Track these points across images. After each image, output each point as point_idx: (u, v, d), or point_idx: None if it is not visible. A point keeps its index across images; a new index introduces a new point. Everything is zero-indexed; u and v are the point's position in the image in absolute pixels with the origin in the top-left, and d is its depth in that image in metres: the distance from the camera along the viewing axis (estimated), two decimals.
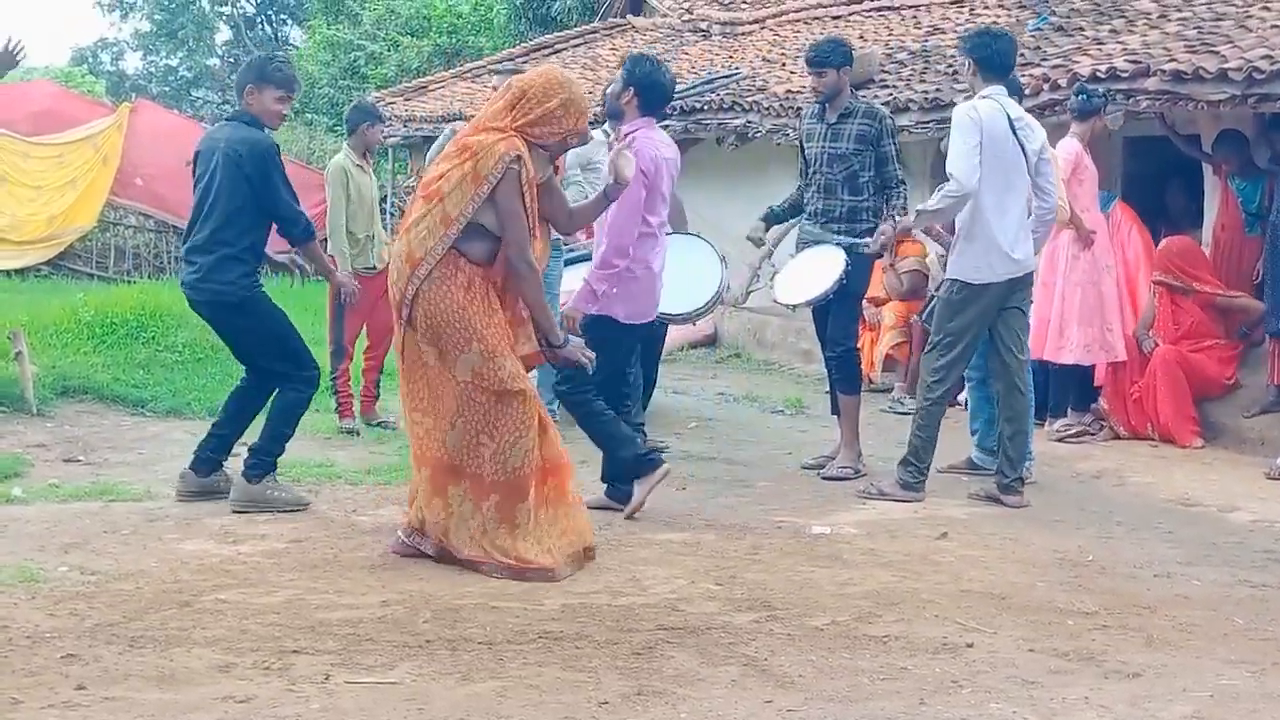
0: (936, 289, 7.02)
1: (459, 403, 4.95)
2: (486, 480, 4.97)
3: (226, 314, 5.97)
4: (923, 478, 6.43)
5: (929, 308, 7.17)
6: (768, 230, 7.58)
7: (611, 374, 5.88)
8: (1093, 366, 8.13)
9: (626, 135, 6.09)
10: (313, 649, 4.07)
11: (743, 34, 15.62)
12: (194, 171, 6.03)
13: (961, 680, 3.95)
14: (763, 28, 15.59)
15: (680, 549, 5.42)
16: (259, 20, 32.66)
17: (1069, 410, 8.22)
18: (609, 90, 6.28)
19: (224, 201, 5.85)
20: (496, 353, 4.94)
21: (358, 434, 7.70)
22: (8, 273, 15.20)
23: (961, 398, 7.52)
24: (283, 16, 32.78)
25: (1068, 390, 8.25)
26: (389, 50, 22.19)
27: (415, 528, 5.11)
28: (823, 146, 6.97)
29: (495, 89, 7.93)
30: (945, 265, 7.14)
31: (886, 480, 6.48)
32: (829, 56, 6.94)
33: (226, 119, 6.23)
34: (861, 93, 8.22)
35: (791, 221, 7.66)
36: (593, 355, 5.31)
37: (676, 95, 12.24)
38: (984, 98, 6.31)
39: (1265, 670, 4.13)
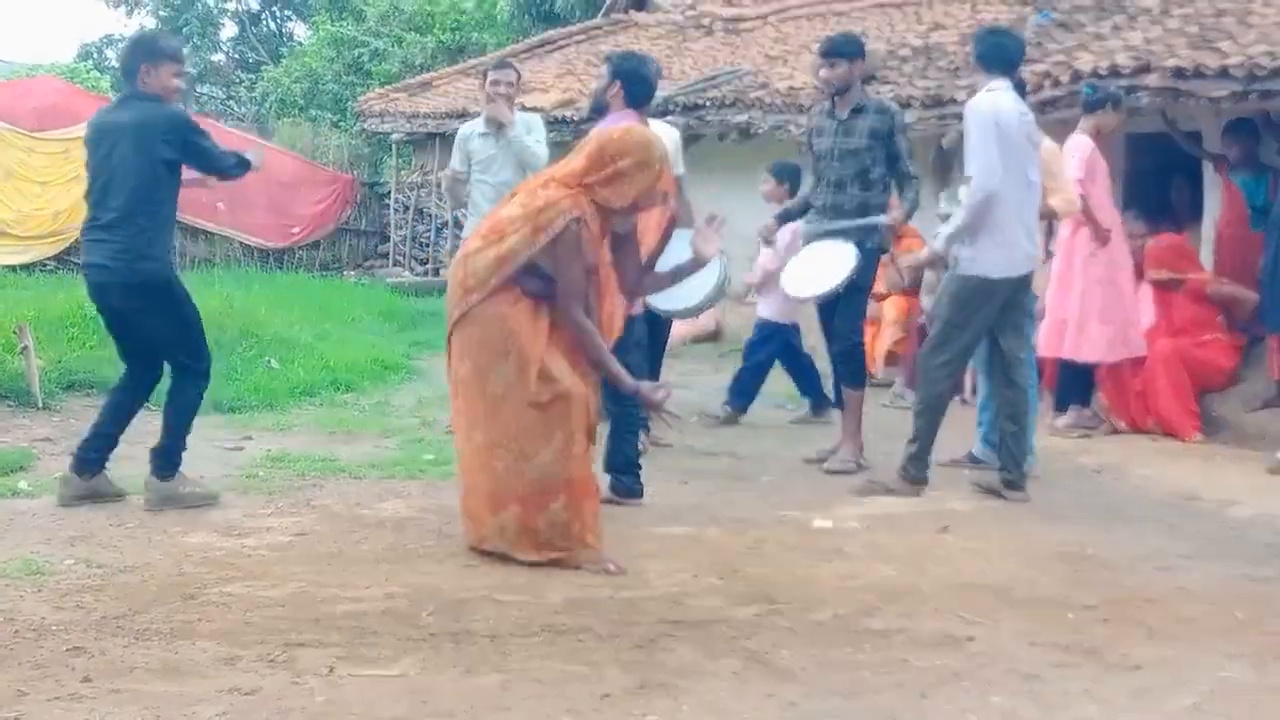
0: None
1: (483, 416, 4.96)
2: (500, 494, 4.97)
3: (149, 296, 5.72)
4: (926, 471, 6.43)
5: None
6: (780, 229, 7.61)
7: None
8: (1096, 364, 8.13)
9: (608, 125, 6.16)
10: (317, 642, 4.09)
11: (746, 30, 15.63)
12: (89, 153, 5.85)
13: (963, 673, 3.97)
14: (765, 24, 15.60)
15: (683, 543, 5.44)
16: (264, 16, 32.62)
17: (1071, 406, 8.23)
18: (593, 87, 6.35)
19: (134, 178, 5.68)
20: (530, 362, 4.91)
21: None
22: (13, 268, 15.22)
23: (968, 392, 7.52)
24: (287, 12, 32.71)
25: (1071, 386, 8.26)
26: (393, 46, 22.18)
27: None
28: (834, 142, 6.98)
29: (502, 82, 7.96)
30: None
31: (890, 475, 6.46)
32: (842, 47, 6.99)
33: (120, 99, 6.00)
34: (864, 88, 8.22)
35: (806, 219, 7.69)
36: (668, 393, 5.26)
37: (680, 91, 12.33)
38: (992, 90, 6.30)
39: (1266, 663, 4.14)
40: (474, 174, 7.86)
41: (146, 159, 5.69)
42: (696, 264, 5.42)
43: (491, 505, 5.00)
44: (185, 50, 6.11)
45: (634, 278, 5.35)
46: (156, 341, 5.89)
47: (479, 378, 4.96)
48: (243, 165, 6.04)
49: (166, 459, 5.84)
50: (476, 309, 4.96)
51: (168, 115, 5.81)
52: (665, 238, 5.49)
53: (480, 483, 5.02)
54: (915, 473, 6.39)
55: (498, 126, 7.69)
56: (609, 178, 4.99)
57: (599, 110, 6.52)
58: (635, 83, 6.21)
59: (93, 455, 5.88)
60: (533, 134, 7.74)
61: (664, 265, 6.24)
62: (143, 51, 5.89)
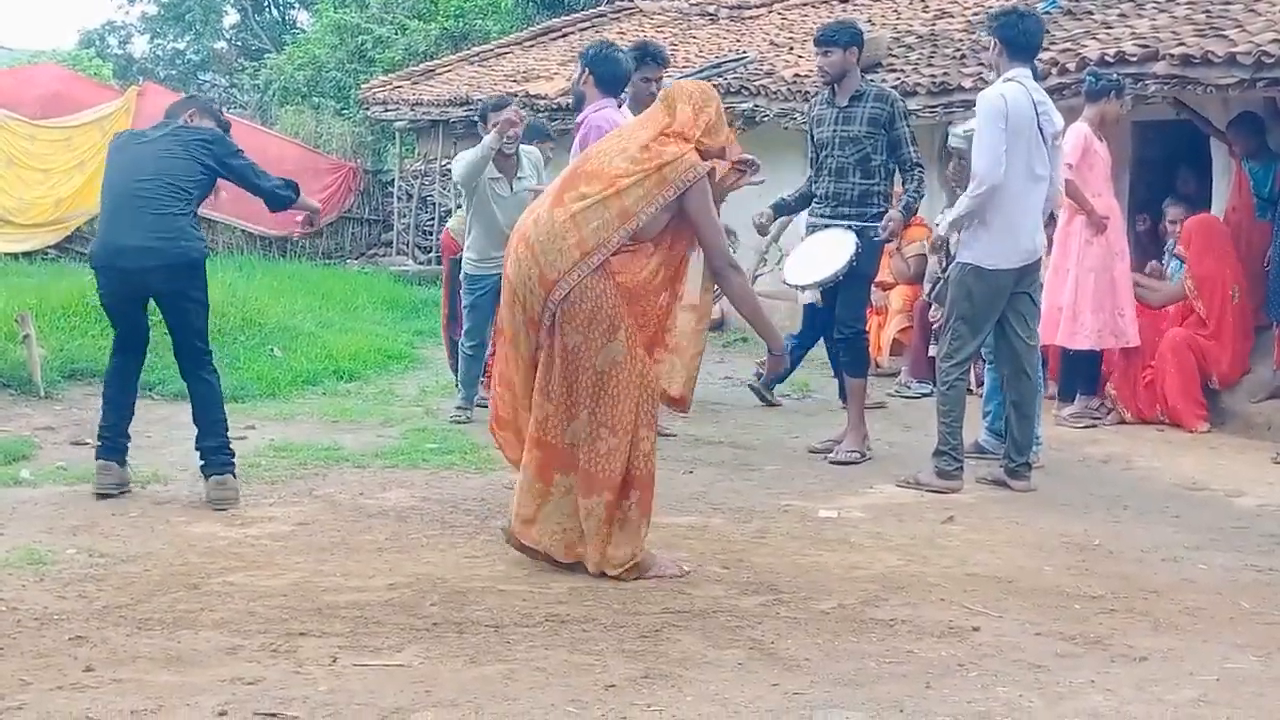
0: (943, 270, 7.00)
1: (589, 393, 4.69)
2: (598, 477, 4.70)
3: (195, 276, 5.78)
4: (958, 464, 6.34)
5: (936, 286, 7.15)
6: (775, 219, 7.58)
7: None
8: (1102, 353, 8.12)
9: (589, 114, 6.19)
10: (320, 631, 4.09)
11: (750, 18, 15.60)
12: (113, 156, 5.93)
13: (968, 664, 3.96)
14: (770, 11, 15.57)
15: (687, 532, 5.43)
16: (266, 3, 32.57)
17: (1078, 396, 8.22)
18: (571, 79, 6.41)
19: (168, 166, 5.74)
20: (636, 340, 4.72)
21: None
22: (15, 255, 15.23)
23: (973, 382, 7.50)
24: (290, 0, 32.71)
25: (1077, 376, 8.25)
26: (396, 34, 22.13)
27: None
28: (834, 130, 6.96)
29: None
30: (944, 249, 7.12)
31: (924, 470, 6.37)
32: (836, 35, 6.96)
33: (161, 127, 6.06)
34: (869, 76, 8.20)
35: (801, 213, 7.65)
36: None
37: (685, 78, 12.28)
38: (1009, 80, 6.21)
39: (1272, 654, 4.13)
40: (481, 205, 7.64)
41: (182, 156, 5.76)
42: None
43: (585, 488, 4.70)
44: (229, 127, 6.34)
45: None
46: (187, 326, 5.86)
47: (590, 352, 4.67)
48: (290, 188, 6.03)
49: (231, 453, 5.81)
50: (589, 278, 4.65)
51: (209, 130, 5.98)
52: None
53: (577, 461, 4.72)
54: (949, 467, 6.32)
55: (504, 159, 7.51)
56: (709, 126, 4.87)
57: (579, 101, 6.56)
58: (604, 67, 6.23)
59: (124, 443, 5.88)
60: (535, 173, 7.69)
61: None
62: (195, 102, 6.40)
